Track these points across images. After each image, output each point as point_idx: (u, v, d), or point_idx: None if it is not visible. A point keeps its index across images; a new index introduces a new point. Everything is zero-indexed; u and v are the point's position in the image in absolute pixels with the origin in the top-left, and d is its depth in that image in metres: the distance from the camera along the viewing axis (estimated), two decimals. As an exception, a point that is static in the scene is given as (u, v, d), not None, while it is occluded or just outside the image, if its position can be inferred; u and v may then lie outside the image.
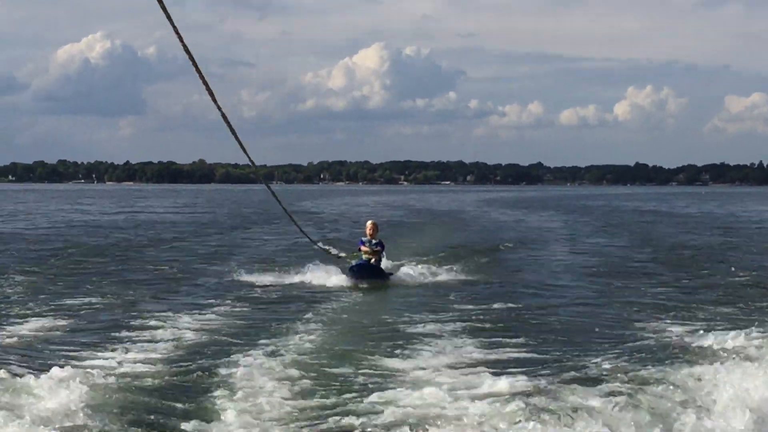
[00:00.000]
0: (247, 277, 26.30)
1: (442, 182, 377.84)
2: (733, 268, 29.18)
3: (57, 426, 10.16)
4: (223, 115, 16.18)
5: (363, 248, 25.45)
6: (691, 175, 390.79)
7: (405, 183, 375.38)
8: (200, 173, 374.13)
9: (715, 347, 14.63)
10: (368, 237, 25.52)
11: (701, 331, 16.65)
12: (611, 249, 38.99)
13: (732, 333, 15.80)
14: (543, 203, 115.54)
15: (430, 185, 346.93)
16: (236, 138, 17.21)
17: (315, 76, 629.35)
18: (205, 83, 14.59)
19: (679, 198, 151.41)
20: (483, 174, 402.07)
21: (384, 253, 26.23)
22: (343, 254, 27.35)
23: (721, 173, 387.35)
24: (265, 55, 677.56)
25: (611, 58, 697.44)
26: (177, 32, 12.37)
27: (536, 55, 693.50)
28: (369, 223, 26.01)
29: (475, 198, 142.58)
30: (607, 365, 13.61)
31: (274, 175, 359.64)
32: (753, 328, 16.28)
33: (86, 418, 10.43)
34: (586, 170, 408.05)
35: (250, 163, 19.24)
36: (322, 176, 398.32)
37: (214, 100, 15.36)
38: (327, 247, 30.07)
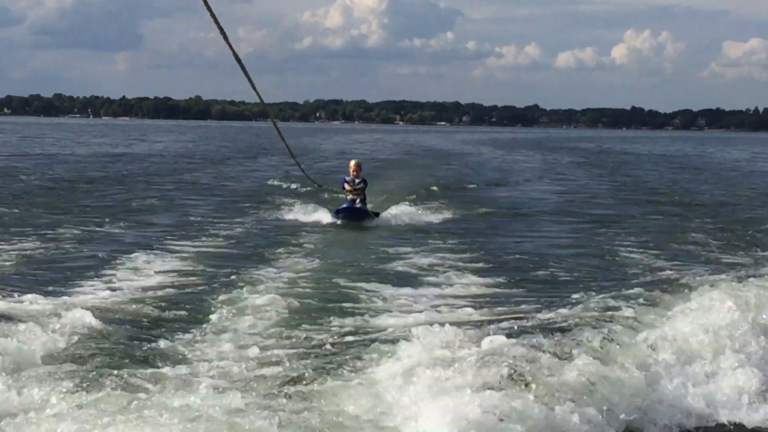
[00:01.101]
0: (233, 211, 26.77)
1: (438, 123, 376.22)
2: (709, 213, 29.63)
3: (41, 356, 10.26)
4: (235, 55, 16.73)
5: (346, 186, 25.77)
6: (686, 119, 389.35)
7: (401, 123, 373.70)
8: (196, 109, 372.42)
9: (691, 285, 14.43)
10: (352, 176, 25.85)
11: (671, 271, 17.01)
12: (594, 187, 39.41)
13: (706, 269, 16.22)
14: (536, 144, 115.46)
15: (425, 125, 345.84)
16: (247, 76, 17.67)
17: (312, 14, 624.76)
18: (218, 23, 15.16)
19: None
20: (478, 115, 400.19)
21: (366, 190, 26.53)
22: (335, 190, 27.48)
23: (716, 118, 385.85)
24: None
25: (610, 0, 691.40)
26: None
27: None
28: (353, 163, 26.39)
29: (469, 138, 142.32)
30: (582, 304, 13.61)
31: (270, 113, 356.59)
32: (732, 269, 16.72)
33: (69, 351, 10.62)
34: (582, 113, 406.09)
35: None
36: (318, 115, 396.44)
37: (227, 40, 15.93)
38: (321, 184, 30.42)
